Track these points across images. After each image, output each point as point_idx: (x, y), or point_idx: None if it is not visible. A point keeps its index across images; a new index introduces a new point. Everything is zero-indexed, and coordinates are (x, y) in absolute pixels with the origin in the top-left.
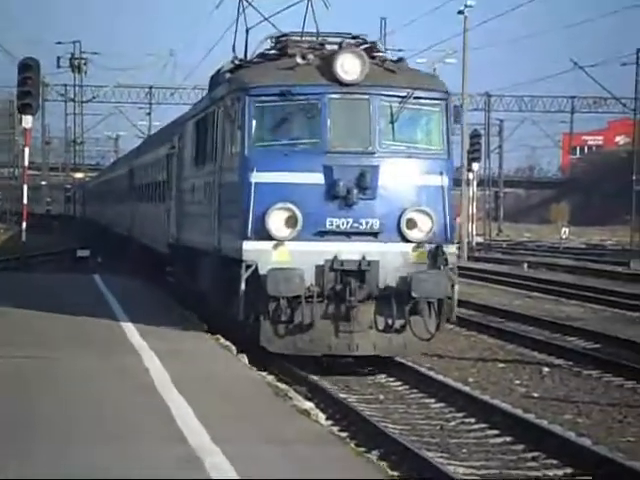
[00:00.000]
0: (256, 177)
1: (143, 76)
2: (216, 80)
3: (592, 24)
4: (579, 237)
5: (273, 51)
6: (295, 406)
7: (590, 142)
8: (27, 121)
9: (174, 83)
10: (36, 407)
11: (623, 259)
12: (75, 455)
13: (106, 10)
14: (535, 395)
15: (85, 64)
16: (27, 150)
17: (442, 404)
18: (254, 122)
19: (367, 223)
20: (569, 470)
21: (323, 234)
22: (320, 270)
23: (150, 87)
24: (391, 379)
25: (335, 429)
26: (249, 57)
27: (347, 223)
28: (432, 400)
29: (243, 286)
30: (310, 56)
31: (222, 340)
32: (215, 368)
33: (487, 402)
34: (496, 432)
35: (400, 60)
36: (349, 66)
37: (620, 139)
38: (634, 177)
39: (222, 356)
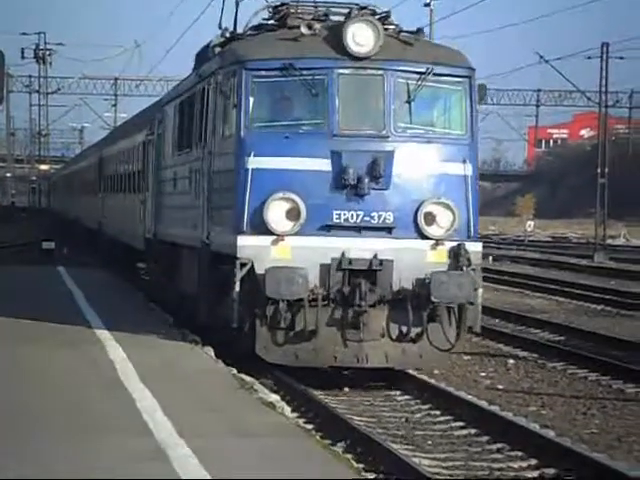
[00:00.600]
0: (253, 162)
1: (108, 68)
2: (204, 56)
3: (560, 17)
4: (544, 230)
5: (271, 22)
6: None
7: (555, 135)
8: None
9: (139, 75)
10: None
11: (587, 252)
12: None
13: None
14: (500, 387)
15: (50, 55)
16: None
17: (407, 397)
18: (251, 100)
19: (380, 217)
20: (533, 462)
21: (329, 228)
22: (326, 269)
23: (115, 79)
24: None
25: (301, 422)
26: (241, 31)
27: (357, 216)
28: (397, 392)
29: (237, 287)
30: (317, 26)
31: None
32: (187, 363)
33: (452, 394)
34: (461, 424)
35: (418, 31)
36: (361, 37)
37: (585, 132)
38: (599, 170)
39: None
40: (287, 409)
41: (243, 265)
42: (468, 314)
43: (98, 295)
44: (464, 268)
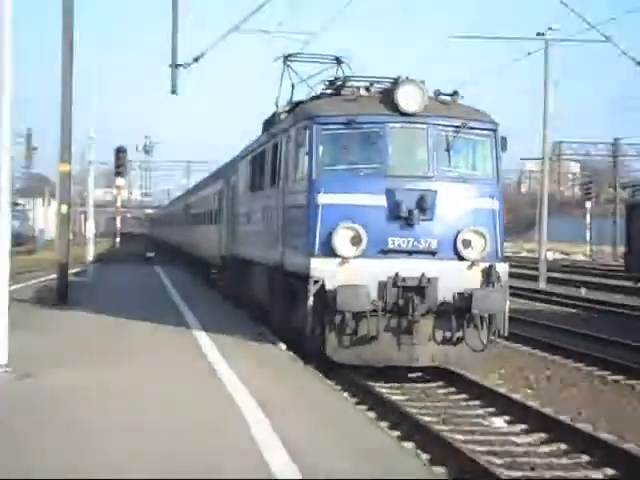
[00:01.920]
0: (323, 198)
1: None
2: (271, 121)
3: None
4: None
5: (329, 91)
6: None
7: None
8: (120, 181)
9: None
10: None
11: None
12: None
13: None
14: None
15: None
16: (119, 197)
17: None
18: (321, 148)
19: (426, 242)
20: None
21: (385, 252)
22: (383, 286)
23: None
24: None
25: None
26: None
27: (408, 242)
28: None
29: (311, 301)
30: (372, 88)
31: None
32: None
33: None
34: (479, 403)
35: (454, 93)
36: (409, 98)
37: None
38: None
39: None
40: (283, 346)
41: (315, 282)
42: (497, 322)
43: (178, 282)
44: (494, 285)
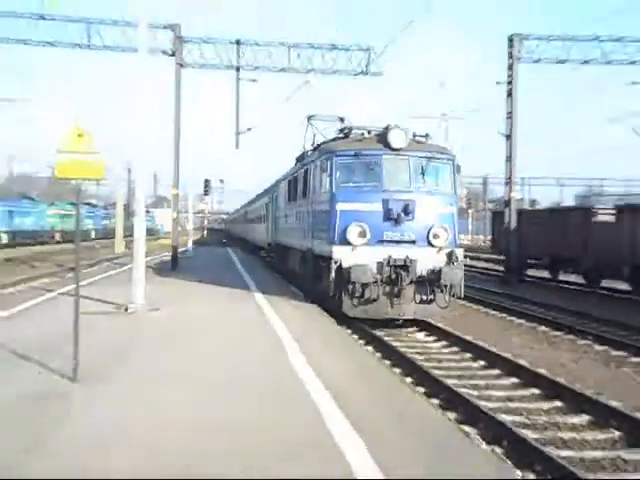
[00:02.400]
0: (340, 206)
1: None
2: (301, 157)
3: None
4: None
5: (341, 135)
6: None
7: None
8: (206, 200)
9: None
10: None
11: None
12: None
13: None
14: (474, 327)
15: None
16: (206, 207)
17: (425, 333)
18: (339, 172)
19: (409, 235)
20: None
21: (382, 242)
22: (380, 265)
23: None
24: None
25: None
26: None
27: (397, 235)
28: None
29: (333, 274)
30: (372, 132)
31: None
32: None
33: (446, 331)
34: (446, 343)
35: (426, 135)
36: (396, 138)
37: None
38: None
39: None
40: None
41: (335, 262)
42: (456, 288)
43: (242, 259)
44: (454, 263)
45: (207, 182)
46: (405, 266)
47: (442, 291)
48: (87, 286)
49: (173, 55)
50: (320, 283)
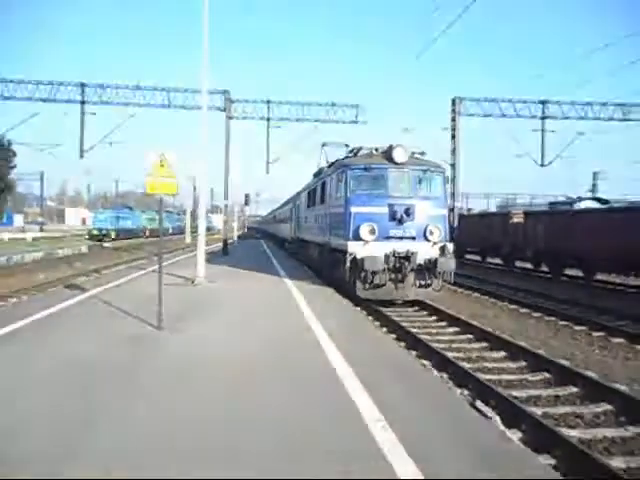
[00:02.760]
0: (354, 209)
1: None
2: (318, 172)
3: None
4: None
5: (351, 154)
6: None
7: None
8: (246, 208)
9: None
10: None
11: None
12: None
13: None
14: (462, 307)
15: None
16: (246, 212)
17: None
18: (352, 181)
19: (410, 232)
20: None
21: (388, 238)
22: (387, 256)
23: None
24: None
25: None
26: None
27: (400, 232)
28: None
29: (348, 264)
30: (379, 150)
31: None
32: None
33: (434, 307)
34: (436, 317)
35: (422, 153)
36: (399, 154)
37: None
38: None
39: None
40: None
41: (350, 254)
42: (447, 275)
43: (271, 248)
44: (447, 255)
45: (247, 195)
46: (407, 257)
47: (436, 277)
48: (167, 266)
49: (224, 111)
50: (336, 270)
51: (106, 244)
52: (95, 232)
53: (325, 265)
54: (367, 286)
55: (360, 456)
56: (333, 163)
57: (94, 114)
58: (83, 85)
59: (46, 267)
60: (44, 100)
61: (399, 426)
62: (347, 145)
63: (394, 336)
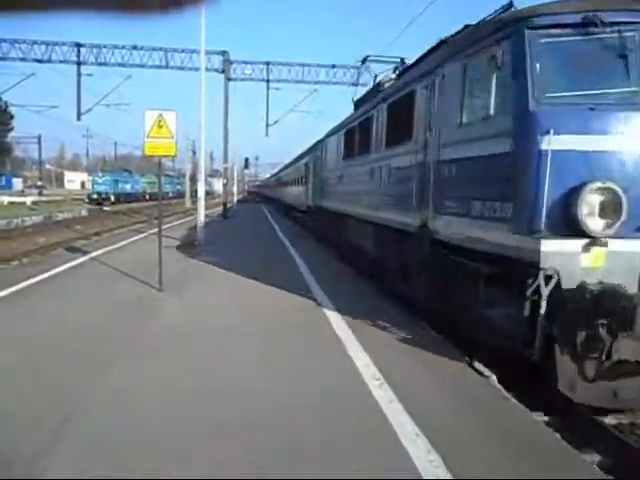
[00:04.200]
0: (552, 142)
1: None
2: (364, 99)
3: None
4: None
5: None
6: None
7: None
8: (246, 171)
9: None
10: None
11: None
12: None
13: None
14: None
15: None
16: (245, 176)
17: None
18: (538, 65)
19: None
20: None
21: None
22: None
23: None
24: None
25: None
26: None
27: None
28: None
29: (544, 306)
30: None
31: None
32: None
33: None
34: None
35: None
36: None
37: None
38: None
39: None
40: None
41: (549, 277)
42: None
43: (276, 217)
44: None
45: (246, 159)
46: None
47: None
48: (167, 229)
49: (223, 72)
50: (468, 307)
51: (106, 208)
52: (95, 196)
53: (413, 275)
54: (591, 368)
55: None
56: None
57: (90, 75)
58: (79, 45)
59: (46, 230)
60: (39, 61)
61: None
62: (402, 60)
63: None
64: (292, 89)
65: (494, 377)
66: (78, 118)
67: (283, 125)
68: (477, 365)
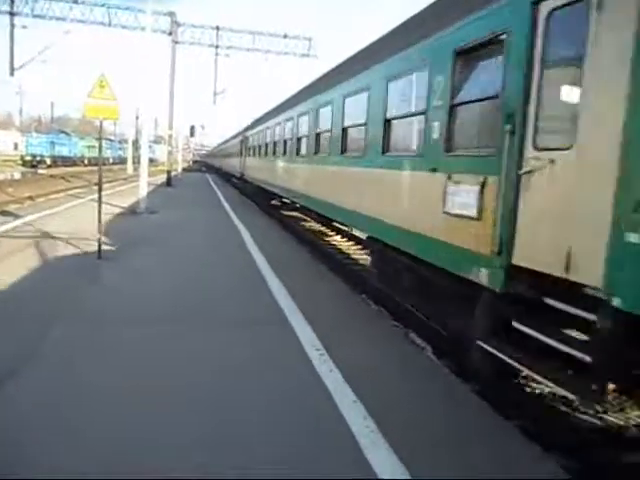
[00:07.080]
0: None
1: None
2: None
3: None
4: None
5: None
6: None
7: None
8: (192, 139)
9: None
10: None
11: None
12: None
13: None
14: None
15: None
16: (192, 145)
17: None
18: None
19: None
20: None
21: None
22: None
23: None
24: None
25: None
26: None
27: None
28: None
29: None
30: None
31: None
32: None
33: None
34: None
35: None
36: None
37: None
38: None
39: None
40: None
41: None
42: None
43: (218, 184)
44: None
45: (192, 127)
46: None
47: None
48: (108, 196)
49: (170, 34)
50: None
51: (41, 171)
52: (28, 158)
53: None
54: None
55: None
56: None
57: (25, 27)
58: None
59: None
60: None
61: None
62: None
63: None
64: (243, 57)
65: (429, 347)
66: (11, 73)
67: (234, 96)
68: (412, 336)
